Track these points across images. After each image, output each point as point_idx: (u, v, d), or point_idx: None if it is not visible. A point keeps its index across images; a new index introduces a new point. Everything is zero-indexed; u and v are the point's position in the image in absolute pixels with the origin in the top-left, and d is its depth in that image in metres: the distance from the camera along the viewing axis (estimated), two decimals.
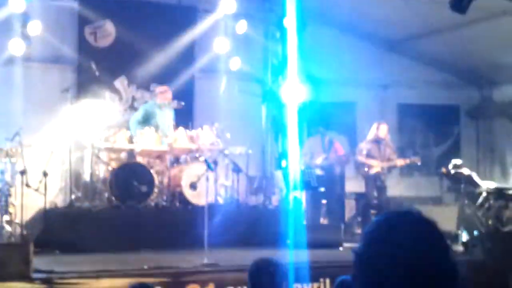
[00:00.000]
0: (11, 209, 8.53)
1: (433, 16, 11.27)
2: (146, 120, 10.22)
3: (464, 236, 9.21)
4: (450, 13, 9.29)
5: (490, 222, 9.74)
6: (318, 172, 10.60)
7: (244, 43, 12.46)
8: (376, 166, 10.62)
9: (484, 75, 13.79)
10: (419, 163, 10.89)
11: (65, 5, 11.41)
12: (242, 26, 12.15)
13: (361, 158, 10.76)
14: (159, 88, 10.76)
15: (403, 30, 12.96)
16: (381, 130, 10.86)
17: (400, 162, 10.87)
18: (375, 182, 10.66)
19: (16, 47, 10.48)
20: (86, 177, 9.63)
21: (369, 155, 10.70)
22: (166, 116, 10.38)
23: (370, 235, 1.90)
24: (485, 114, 13.88)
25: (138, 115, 10.43)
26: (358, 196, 11.62)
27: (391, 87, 13.54)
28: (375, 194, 10.69)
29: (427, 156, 13.26)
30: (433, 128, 13.76)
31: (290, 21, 12.32)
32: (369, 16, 12.70)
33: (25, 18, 10.59)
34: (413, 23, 12.10)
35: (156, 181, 9.42)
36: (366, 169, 10.67)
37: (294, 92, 12.18)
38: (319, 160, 10.81)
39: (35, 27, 10.61)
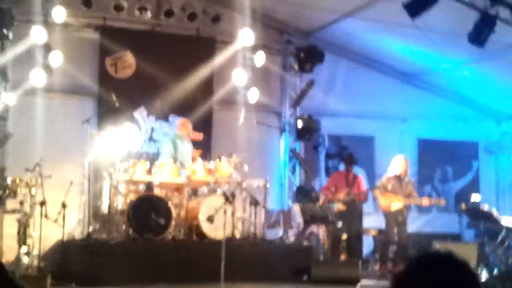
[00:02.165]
0: (29, 241, 8.55)
1: (452, 49, 11.27)
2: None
3: (484, 275, 9.08)
4: (469, 46, 9.30)
5: (510, 260, 9.60)
6: (341, 207, 10.54)
7: (262, 75, 12.52)
8: (398, 202, 10.52)
9: (503, 109, 13.72)
10: (443, 204, 10.74)
11: (86, 36, 11.55)
12: (260, 58, 12.20)
13: (380, 195, 10.67)
14: (180, 120, 10.82)
15: (422, 63, 12.95)
16: (403, 165, 10.77)
17: (425, 202, 10.74)
18: (397, 218, 10.55)
19: (37, 77, 10.61)
20: (104, 209, 9.64)
21: (390, 191, 10.60)
22: (185, 148, 10.42)
23: (403, 275, 1.89)
24: (504, 149, 13.79)
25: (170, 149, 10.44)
26: (377, 232, 11.51)
27: (410, 121, 13.48)
28: (395, 230, 10.59)
29: (445, 191, 13.17)
30: (452, 163, 13.67)
31: (308, 54, 12.42)
32: (388, 49, 12.72)
33: (46, 49, 10.72)
34: (432, 56, 12.10)
35: (174, 214, 9.40)
36: (387, 204, 10.58)
37: (311, 124, 12.22)
38: (342, 195, 10.77)
39: (57, 58, 10.74)
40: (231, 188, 10.17)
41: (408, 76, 13.57)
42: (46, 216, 8.50)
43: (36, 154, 9.36)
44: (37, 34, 10.56)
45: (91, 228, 9.27)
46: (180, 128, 10.63)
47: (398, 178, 10.72)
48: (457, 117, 13.69)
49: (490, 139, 13.94)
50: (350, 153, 11.30)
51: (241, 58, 12.21)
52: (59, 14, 10.72)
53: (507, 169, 13.72)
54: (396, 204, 10.53)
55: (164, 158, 10.20)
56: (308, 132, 12.27)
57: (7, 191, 8.76)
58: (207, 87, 12.03)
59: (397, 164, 10.80)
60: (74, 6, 11.02)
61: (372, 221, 11.76)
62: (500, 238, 9.96)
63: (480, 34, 9.05)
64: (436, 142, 13.54)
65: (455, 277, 1.83)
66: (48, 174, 8.87)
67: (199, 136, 10.90)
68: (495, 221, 10.18)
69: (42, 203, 8.46)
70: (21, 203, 8.64)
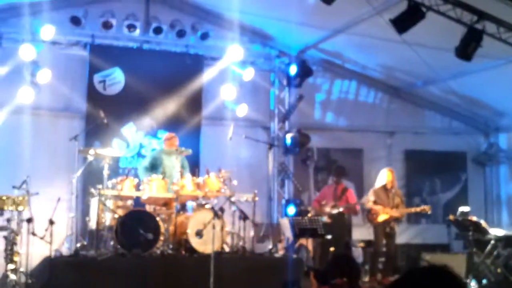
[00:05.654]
0: (16, 258, 8.49)
1: (440, 63, 11.33)
2: (154, 167, 10.29)
3: (473, 285, 9.08)
4: (456, 60, 9.36)
5: (499, 270, 9.61)
6: (327, 219, 10.55)
7: (251, 90, 12.58)
8: (385, 214, 10.56)
9: (490, 122, 13.80)
10: (429, 212, 10.77)
11: (75, 54, 11.59)
12: (249, 74, 12.26)
13: (370, 205, 10.71)
14: (166, 135, 10.83)
15: (410, 77, 13.03)
16: (388, 176, 10.83)
17: (410, 211, 10.79)
18: (384, 229, 10.58)
19: (25, 95, 10.63)
20: (92, 225, 9.61)
21: (377, 203, 10.65)
22: (173, 163, 10.41)
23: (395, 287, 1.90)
24: (491, 160, 13.84)
25: (146, 162, 10.51)
26: (366, 244, 11.53)
27: (398, 134, 13.54)
28: (384, 241, 10.60)
29: (434, 203, 13.16)
30: (440, 175, 13.71)
31: (297, 69, 12.49)
32: (376, 63, 12.80)
33: (35, 66, 10.75)
34: (420, 70, 12.17)
35: (162, 229, 9.35)
36: (374, 216, 10.61)
37: (300, 138, 12.26)
38: (327, 208, 10.78)
39: (45, 76, 10.77)
40: (220, 202, 10.16)
41: (396, 90, 13.64)
42: (33, 233, 8.47)
43: (23, 171, 9.34)
44: (26, 52, 10.60)
45: (79, 245, 9.23)
46: (166, 144, 10.63)
47: (385, 190, 10.77)
48: (445, 130, 13.76)
49: (477, 150, 14.00)
50: (339, 166, 11.33)
51: (230, 74, 12.27)
52: (47, 32, 10.77)
53: (495, 180, 13.76)
54: (383, 215, 10.56)
55: (139, 171, 10.25)
56: (297, 146, 12.31)
57: None
58: (196, 102, 12.09)
59: (383, 176, 10.86)
60: (62, 24, 11.05)
61: (361, 233, 11.77)
62: (488, 248, 9.98)
63: (467, 48, 9.12)
64: (424, 154, 13.60)
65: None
66: (35, 191, 8.85)
67: (188, 151, 10.88)
68: (484, 232, 10.21)
69: (29, 220, 8.44)
70: (8, 220, 8.59)
